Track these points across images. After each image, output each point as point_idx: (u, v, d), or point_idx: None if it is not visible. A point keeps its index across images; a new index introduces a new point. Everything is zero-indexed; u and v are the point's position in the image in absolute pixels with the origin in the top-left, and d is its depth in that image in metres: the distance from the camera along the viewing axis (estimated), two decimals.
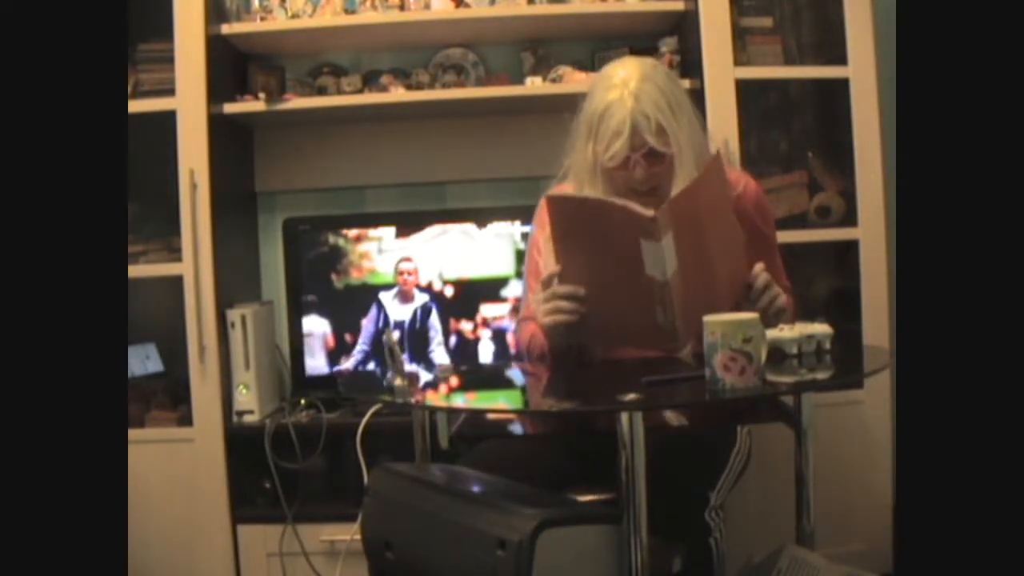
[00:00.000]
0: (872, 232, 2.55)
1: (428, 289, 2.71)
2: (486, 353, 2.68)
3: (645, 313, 1.69)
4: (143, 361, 2.76)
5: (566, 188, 1.95)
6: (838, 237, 2.60)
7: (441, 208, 2.94)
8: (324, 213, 2.87)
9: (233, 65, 2.75)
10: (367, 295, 2.72)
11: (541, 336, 1.90)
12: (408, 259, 2.68)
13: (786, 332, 1.77)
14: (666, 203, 1.66)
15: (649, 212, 1.63)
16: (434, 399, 1.89)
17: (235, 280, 2.72)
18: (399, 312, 2.71)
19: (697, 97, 2.40)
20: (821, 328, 1.81)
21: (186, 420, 2.58)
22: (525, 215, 2.23)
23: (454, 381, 1.99)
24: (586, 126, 1.85)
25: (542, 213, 1.99)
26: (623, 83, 1.80)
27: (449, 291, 2.71)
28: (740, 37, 2.58)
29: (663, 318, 1.68)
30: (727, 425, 1.92)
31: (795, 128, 2.77)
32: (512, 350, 2.05)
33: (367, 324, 2.71)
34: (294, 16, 2.64)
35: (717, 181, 1.76)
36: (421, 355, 2.69)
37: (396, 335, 2.59)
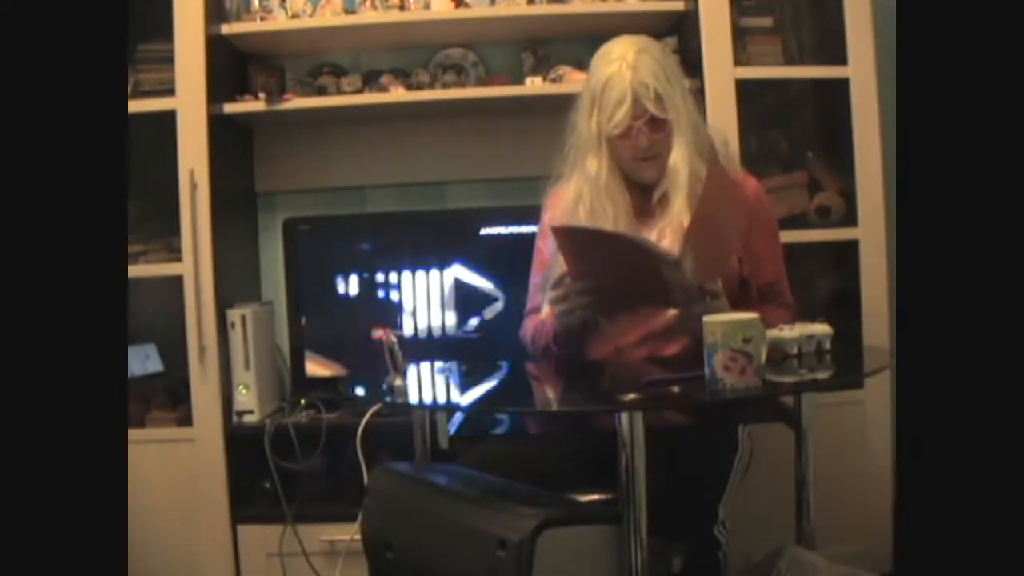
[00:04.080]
0: (872, 232, 2.55)
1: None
2: None
3: (661, 300, 1.80)
4: (143, 361, 2.76)
5: (565, 192, 1.99)
6: (838, 237, 2.60)
7: (441, 208, 2.94)
8: (324, 213, 2.87)
9: (233, 65, 2.74)
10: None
11: (546, 327, 1.94)
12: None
13: (786, 332, 1.77)
14: (684, 240, 1.74)
15: (673, 254, 1.73)
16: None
17: (235, 280, 2.71)
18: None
19: (697, 97, 2.39)
20: (821, 328, 1.81)
21: (186, 420, 2.57)
22: (525, 215, 2.23)
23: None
24: (589, 100, 1.94)
25: (549, 201, 2.06)
26: (621, 57, 1.90)
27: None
28: (740, 37, 2.58)
29: (682, 297, 1.77)
30: (727, 425, 1.92)
31: (795, 128, 2.77)
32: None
33: None
34: (294, 16, 2.64)
35: (719, 178, 1.78)
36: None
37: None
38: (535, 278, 2.08)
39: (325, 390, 2.64)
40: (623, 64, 1.89)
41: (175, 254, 2.57)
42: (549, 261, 1.97)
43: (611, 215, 1.93)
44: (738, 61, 2.54)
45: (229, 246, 2.65)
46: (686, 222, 1.82)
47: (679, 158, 1.91)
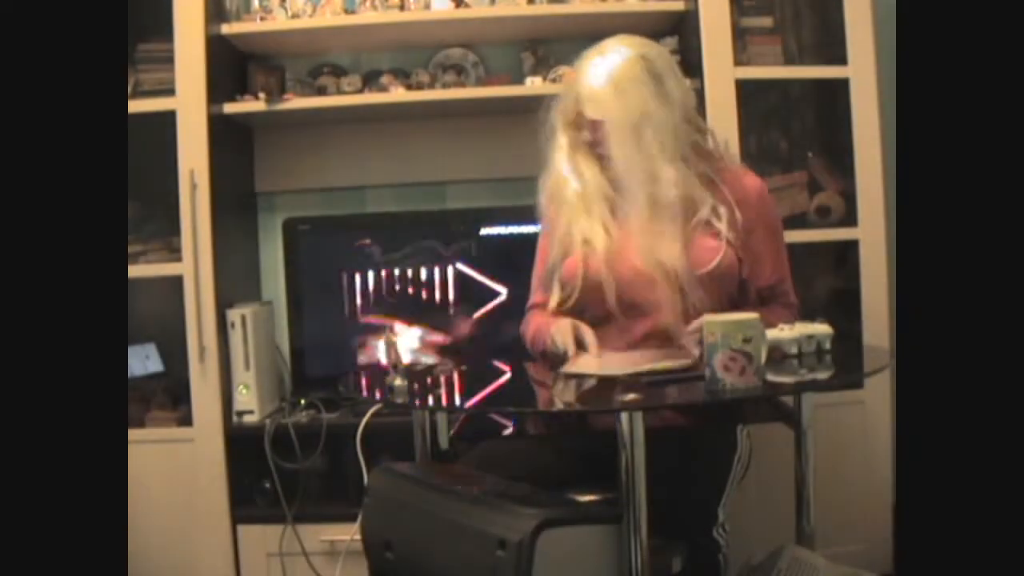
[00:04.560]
0: (872, 232, 2.55)
1: None
2: None
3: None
4: (143, 361, 2.76)
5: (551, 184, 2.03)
6: (838, 237, 2.60)
7: (441, 208, 2.94)
8: (324, 213, 2.87)
9: (233, 65, 2.74)
10: None
11: (545, 331, 1.93)
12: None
13: (786, 332, 1.77)
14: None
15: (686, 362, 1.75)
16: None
17: (235, 280, 2.71)
18: None
19: (697, 97, 2.39)
20: (821, 328, 1.81)
21: (186, 420, 2.57)
22: (525, 215, 2.23)
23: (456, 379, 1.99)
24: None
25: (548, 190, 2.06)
26: (596, 52, 1.94)
27: None
28: (740, 37, 2.58)
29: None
30: (727, 425, 1.92)
31: (795, 128, 2.77)
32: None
33: None
34: (294, 16, 2.64)
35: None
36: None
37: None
38: (537, 272, 2.08)
39: (325, 390, 2.64)
40: (588, 61, 1.93)
41: (175, 254, 2.57)
42: (550, 254, 1.98)
43: (579, 189, 1.97)
44: (738, 61, 2.54)
45: (229, 246, 2.65)
46: (640, 226, 1.88)
47: (623, 162, 1.90)
